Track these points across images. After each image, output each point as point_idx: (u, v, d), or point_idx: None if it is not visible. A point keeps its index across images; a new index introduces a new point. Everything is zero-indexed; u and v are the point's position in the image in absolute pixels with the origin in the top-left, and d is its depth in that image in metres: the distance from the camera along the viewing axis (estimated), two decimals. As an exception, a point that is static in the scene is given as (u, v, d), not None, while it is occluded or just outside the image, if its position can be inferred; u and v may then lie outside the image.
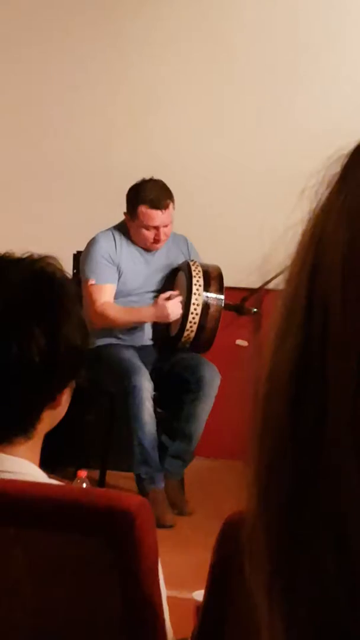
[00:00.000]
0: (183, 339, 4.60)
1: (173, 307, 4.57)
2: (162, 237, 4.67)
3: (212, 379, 4.52)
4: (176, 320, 4.64)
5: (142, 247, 4.73)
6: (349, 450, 0.45)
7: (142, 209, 4.61)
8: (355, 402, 0.45)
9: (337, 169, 0.50)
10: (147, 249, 4.74)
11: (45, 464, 1.64)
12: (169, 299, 4.60)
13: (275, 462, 0.49)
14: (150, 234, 4.65)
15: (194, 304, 4.56)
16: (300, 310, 0.48)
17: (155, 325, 4.77)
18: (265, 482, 0.49)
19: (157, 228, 4.64)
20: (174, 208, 4.68)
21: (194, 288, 4.58)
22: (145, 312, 4.66)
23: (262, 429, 0.50)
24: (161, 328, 4.77)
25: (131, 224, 4.69)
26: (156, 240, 4.67)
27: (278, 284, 0.52)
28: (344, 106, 4.95)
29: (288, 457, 0.48)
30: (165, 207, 4.62)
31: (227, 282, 4.68)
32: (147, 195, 4.62)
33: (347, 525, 0.46)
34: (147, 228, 4.64)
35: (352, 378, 0.46)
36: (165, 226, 4.66)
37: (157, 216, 4.62)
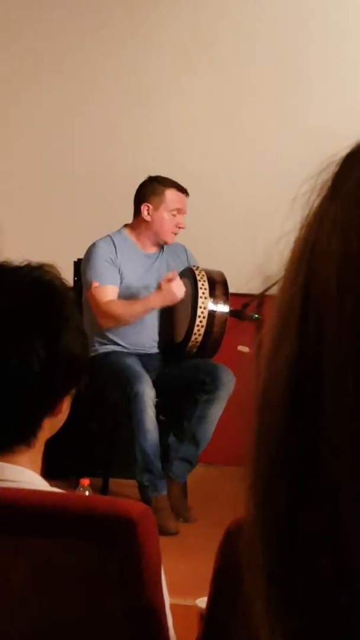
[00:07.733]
0: (190, 344, 4.60)
1: (177, 287, 4.56)
2: (182, 226, 4.72)
3: (230, 382, 4.52)
4: (182, 326, 4.64)
5: (158, 241, 4.76)
6: (347, 461, 0.45)
7: (172, 191, 4.70)
8: (352, 414, 0.45)
9: (327, 176, 0.49)
10: (162, 243, 4.77)
11: (48, 472, 1.64)
12: (169, 281, 4.59)
13: (272, 474, 0.48)
14: (175, 221, 4.70)
15: (200, 307, 4.55)
16: (295, 321, 0.48)
17: (160, 332, 4.77)
18: (262, 493, 0.49)
19: (182, 214, 4.70)
20: None
21: (200, 292, 4.57)
22: (153, 298, 4.63)
23: (258, 440, 0.49)
24: (166, 338, 4.76)
25: (153, 215, 4.71)
26: (178, 228, 4.71)
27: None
28: (342, 115, 4.95)
29: (285, 469, 0.48)
30: (187, 195, 4.74)
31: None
32: (172, 181, 4.72)
33: (345, 535, 0.45)
34: (174, 213, 4.70)
35: (349, 390, 0.45)
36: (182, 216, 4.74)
37: (184, 200, 4.72)
